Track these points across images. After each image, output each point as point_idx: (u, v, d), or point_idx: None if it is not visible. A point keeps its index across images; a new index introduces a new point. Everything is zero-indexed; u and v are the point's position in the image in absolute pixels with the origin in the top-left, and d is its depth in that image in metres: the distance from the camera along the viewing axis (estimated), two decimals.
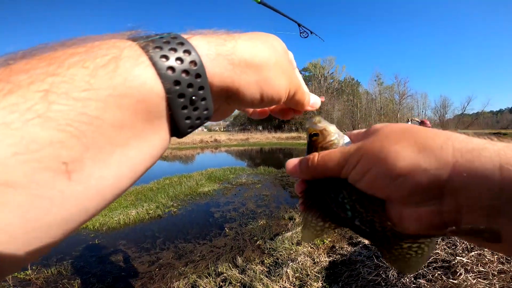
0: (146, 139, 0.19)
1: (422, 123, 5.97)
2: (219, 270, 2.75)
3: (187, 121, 0.21)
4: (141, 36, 0.20)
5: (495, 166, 0.20)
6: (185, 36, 0.21)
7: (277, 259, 2.89)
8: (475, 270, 1.94)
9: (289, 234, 3.43)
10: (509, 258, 1.98)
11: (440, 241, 2.40)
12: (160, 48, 0.19)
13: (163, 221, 4.52)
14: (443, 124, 54.50)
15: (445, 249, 2.29)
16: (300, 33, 2.37)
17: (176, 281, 2.62)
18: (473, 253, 2.12)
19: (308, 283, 2.36)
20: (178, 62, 0.19)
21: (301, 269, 2.57)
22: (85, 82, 0.16)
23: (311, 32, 2.41)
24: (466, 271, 1.95)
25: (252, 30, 0.27)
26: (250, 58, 0.23)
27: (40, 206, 0.14)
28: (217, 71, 0.21)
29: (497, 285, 1.76)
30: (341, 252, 2.92)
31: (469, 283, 1.82)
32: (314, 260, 2.74)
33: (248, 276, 2.57)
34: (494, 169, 0.20)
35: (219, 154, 17.65)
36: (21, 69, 0.15)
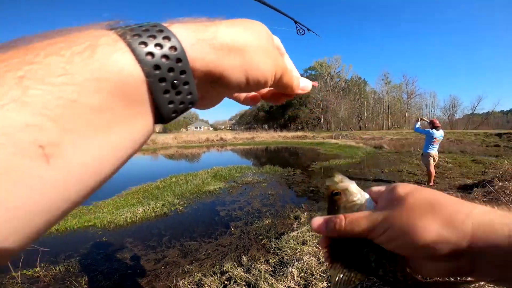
0: (127, 123, 0.19)
1: (431, 122, 5.85)
2: (224, 268, 2.76)
3: (170, 106, 0.21)
4: (120, 25, 0.20)
5: (504, 235, 0.25)
6: (165, 24, 0.21)
7: (282, 258, 2.87)
8: None
9: (294, 233, 3.41)
10: None
11: None
12: (139, 35, 0.19)
13: (169, 219, 4.56)
14: (452, 123, 53.55)
15: None
16: (297, 30, 2.33)
17: (182, 279, 2.63)
18: None
19: (313, 283, 2.34)
20: (158, 47, 0.19)
21: (306, 269, 2.55)
22: (61, 68, 0.15)
23: (308, 29, 2.37)
24: None
25: None
26: (232, 42, 0.23)
27: (19, 193, 0.14)
28: (199, 56, 0.21)
29: None
30: None
31: None
32: (319, 260, 2.71)
33: (253, 275, 2.57)
34: (503, 238, 0.25)
35: (225, 153, 17.69)
36: None
